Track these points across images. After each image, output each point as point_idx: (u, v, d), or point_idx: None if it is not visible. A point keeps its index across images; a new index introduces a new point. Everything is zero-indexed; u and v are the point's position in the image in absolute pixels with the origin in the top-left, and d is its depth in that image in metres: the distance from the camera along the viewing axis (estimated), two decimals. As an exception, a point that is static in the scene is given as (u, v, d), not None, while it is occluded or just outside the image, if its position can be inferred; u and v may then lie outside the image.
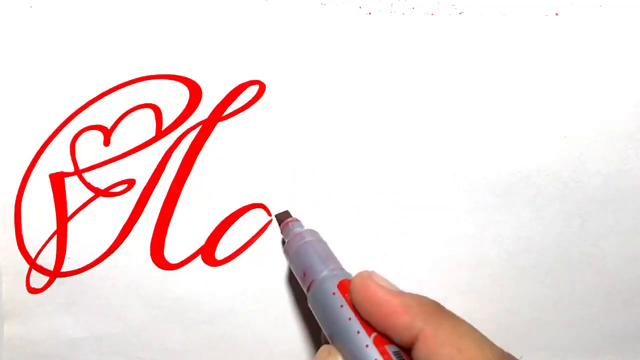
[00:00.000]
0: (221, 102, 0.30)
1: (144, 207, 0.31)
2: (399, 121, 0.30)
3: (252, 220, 0.31)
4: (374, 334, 0.22)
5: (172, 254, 0.31)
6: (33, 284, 0.32)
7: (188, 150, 0.30)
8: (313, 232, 0.28)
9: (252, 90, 0.30)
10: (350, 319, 0.23)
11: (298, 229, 0.29)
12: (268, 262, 0.31)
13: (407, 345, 0.21)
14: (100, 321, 0.32)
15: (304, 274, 0.26)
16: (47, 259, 0.31)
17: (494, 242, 0.31)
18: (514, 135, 0.30)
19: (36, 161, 0.30)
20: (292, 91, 0.30)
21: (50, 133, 0.30)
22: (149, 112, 0.30)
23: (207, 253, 0.31)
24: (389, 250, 0.31)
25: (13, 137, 0.30)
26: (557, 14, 0.29)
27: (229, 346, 0.32)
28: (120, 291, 0.32)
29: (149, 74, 0.30)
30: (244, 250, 0.31)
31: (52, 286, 0.32)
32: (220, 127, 0.30)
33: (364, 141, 0.30)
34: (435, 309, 0.22)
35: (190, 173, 0.31)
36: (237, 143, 0.30)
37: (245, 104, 0.30)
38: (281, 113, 0.30)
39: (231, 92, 0.30)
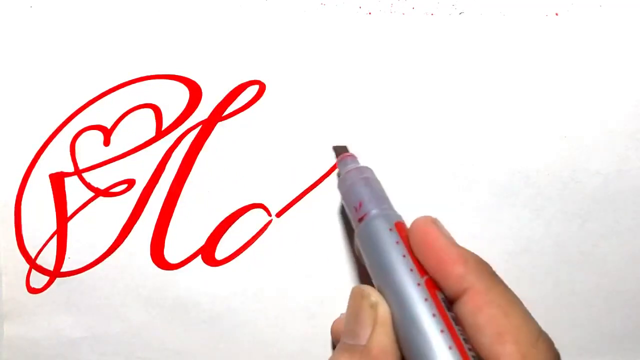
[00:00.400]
0: (221, 102, 0.30)
1: (144, 207, 0.31)
2: (399, 121, 0.30)
3: (252, 220, 0.31)
4: (425, 277, 0.21)
5: (172, 254, 0.31)
6: (33, 284, 0.32)
7: (188, 150, 0.30)
8: (370, 171, 0.28)
9: (252, 90, 0.30)
10: (404, 255, 0.22)
11: (356, 164, 0.28)
12: (268, 262, 0.31)
13: (454, 297, 0.21)
14: (100, 321, 0.32)
15: (360, 205, 0.25)
16: (47, 259, 0.31)
17: (494, 242, 0.31)
18: (514, 135, 0.30)
19: (36, 161, 0.30)
20: (292, 91, 0.30)
21: (50, 133, 0.30)
22: (149, 112, 0.30)
23: (207, 253, 0.31)
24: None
25: (13, 137, 0.30)
26: (557, 14, 0.29)
27: (229, 346, 0.32)
28: (120, 291, 0.32)
29: (149, 74, 0.30)
30: (244, 250, 0.31)
31: (52, 286, 0.32)
32: (220, 127, 0.30)
33: (363, 141, 0.30)
34: (490, 271, 0.22)
35: (190, 173, 0.31)
36: (237, 143, 0.30)
37: (245, 104, 0.30)
38: (281, 113, 0.30)
39: (231, 92, 0.30)
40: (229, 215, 0.31)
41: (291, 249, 0.31)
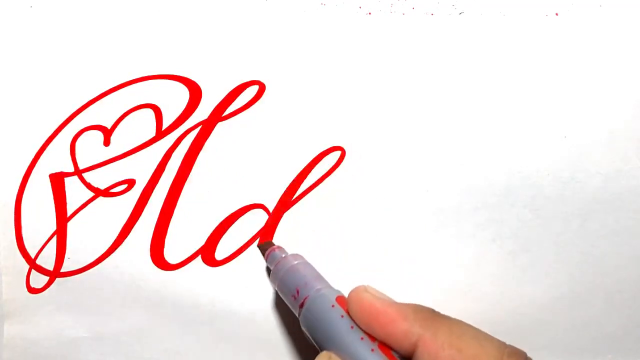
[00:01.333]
0: (221, 102, 0.30)
1: (144, 207, 0.31)
2: (399, 121, 0.30)
3: (252, 220, 0.31)
4: (376, 342, 0.22)
5: (172, 254, 0.31)
6: (33, 284, 0.32)
7: (188, 151, 0.30)
8: (299, 256, 0.29)
9: (252, 90, 0.30)
10: (352, 327, 0.23)
11: (283, 254, 0.29)
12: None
13: (408, 354, 0.22)
14: (100, 321, 0.32)
15: (297, 292, 0.26)
16: (47, 259, 0.31)
17: (494, 242, 0.31)
18: (514, 135, 0.30)
19: (36, 161, 0.30)
20: (292, 91, 0.30)
21: (50, 133, 0.30)
22: (149, 112, 0.30)
23: (207, 253, 0.31)
24: (388, 250, 0.31)
25: (13, 137, 0.30)
26: (557, 14, 0.29)
27: (229, 346, 0.32)
28: (120, 291, 0.32)
29: (149, 74, 0.30)
30: (244, 250, 0.31)
31: (52, 286, 0.32)
32: (220, 127, 0.30)
33: (363, 141, 0.30)
34: (431, 314, 0.22)
35: (190, 173, 0.31)
36: (237, 143, 0.30)
37: (245, 104, 0.30)
38: (281, 113, 0.30)
39: (231, 92, 0.30)
40: (229, 215, 0.31)
41: (291, 249, 0.31)
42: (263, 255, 0.30)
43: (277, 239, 0.31)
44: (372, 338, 0.22)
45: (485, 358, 0.20)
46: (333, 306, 0.24)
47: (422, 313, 0.22)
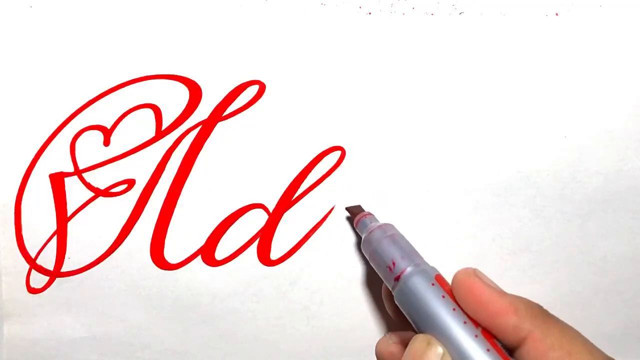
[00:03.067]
0: (221, 102, 0.30)
1: (144, 207, 0.31)
2: (399, 121, 0.30)
3: (252, 220, 0.31)
4: (479, 328, 0.22)
5: (172, 254, 0.31)
6: (33, 284, 0.32)
7: (188, 150, 0.30)
8: (392, 226, 0.28)
9: (252, 90, 0.30)
10: (454, 309, 0.22)
11: (376, 222, 0.28)
12: (268, 262, 0.31)
13: (512, 346, 0.21)
14: (100, 321, 0.32)
15: (393, 264, 0.25)
16: (47, 259, 0.31)
17: (494, 242, 0.31)
18: (514, 135, 0.30)
19: (36, 161, 0.30)
20: (292, 91, 0.30)
21: (50, 133, 0.30)
22: (149, 112, 0.30)
23: (207, 253, 0.31)
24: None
25: (13, 137, 0.30)
26: (557, 14, 0.29)
27: (229, 346, 0.32)
28: (120, 291, 0.32)
29: (149, 74, 0.30)
30: (244, 250, 0.31)
31: (52, 286, 0.32)
32: (220, 127, 0.30)
33: (363, 141, 0.30)
34: (542, 312, 0.22)
35: (190, 173, 0.31)
36: (237, 143, 0.30)
37: (245, 104, 0.30)
38: (281, 113, 0.30)
39: (231, 92, 0.30)
40: (229, 215, 0.31)
41: (291, 248, 0.31)
42: (351, 221, 0.29)
43: (277, 239, 0.31)
44: (476, 323, 0.22)
45: None
46: (433, 284, 0.23)
47: (534, 310, 0.22)
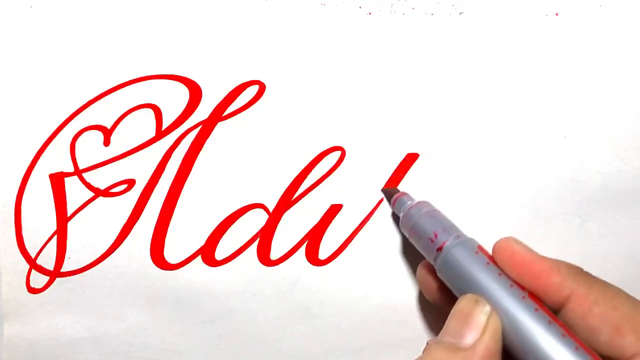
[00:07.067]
0: (221, 102, 0.30)
1: (144, 207, 0.31)
2: (398, 121, 0.30)
3: (252, 220, 0.31)
4: (526, 291, 0.22)
5: (172, 254, 0.31)
6: (33, 284, 0.32)
7: (188, 150, 0.30)
8: (430, 203, 0.28)
9: (252, 90, 0.30)
10: (500, 274, 0.23)
11: (413, 200, 0.29)
12: (268, 262, 0.31)
13: (557, 306, 0.22)
14: (100, 321, 0.32)
15: (435, 235, 0.25)
16: (47, 259, 0.31)
17: (494, 242, 0.31)
18: (514, 135, 0.30)
19: (36, 161, 0.30)
20: (292, 91, 0.30)
21: (50, 133, 0.30)
22: (149, 112, 0.30)
23: (207, 253, 0.31)
24: (389, 250, 0.31)
25: (13, 137, 0.30)
26: (557, 14, 0.29)
27: (229, 346, 0.32)
28: (120, 291, 0.32)
29: (149, 74, 0.30)
30: (244, 250, 0.31)
31: (52, 286, 0.32)
32: (220, 127, 0.30)
33: (363, 141, 0.30)
34: (583, 272, 0.23)
35: (190, 173, 0.31)
36: (237, 143, 0.30)
37: (245, 104, 0.30)
38: (281, 113, 0.30)
39: (231, 92, 0.30)
40: (229, 215, 0.31)
41: (291, 248, 0.31)
42: (388, 201, 0.30)
43: (277, 239, 0.31)
44: (522, 287, 0.22)
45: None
46: (477, 253, 0.24)
47: (575, 269, 0.22)
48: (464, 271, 0.23)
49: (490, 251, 0.24)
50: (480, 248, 0.24)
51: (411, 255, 0.31)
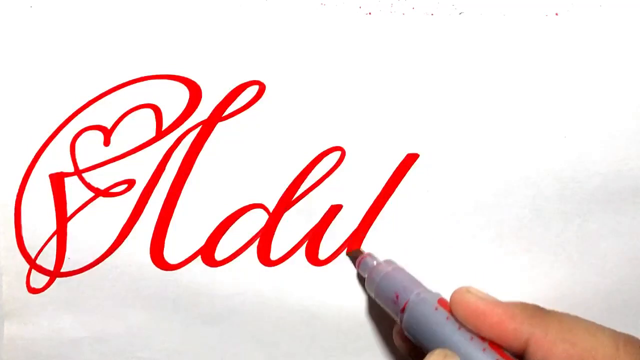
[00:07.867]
0: (221, 102, 0.30)
1: (144, 207, 0.31)
2: (398, 121, 0.30)
3: (252, 220, 0.31)
4: (486, 342, 0.22)
5: (172, 254, 0.31)
6: (33, 284, 0.32)
7: (188, 151, 0.30)
8: (392, 262, 0.29)
9: (252, 90, 0.30)
10: (459, 328, 0.23)
11: (375, 262, 0.29)
12: (268, 262, 0.31)
13: (519, 352, 0.22)
14: (100, 321, 0.32)
15: (396, 297, 0.26)
16: (47, 259, 0.31)
17: (493, 242, 0.31)
18: (514, 135, 0.30)
19: (36, 161, 0.30)
20: (292, 91, 0.30)
21: (50, 133, 0.30)
22: (149, 112, 0.30)
23: (207, 253, 0.31)
24: (388, 250, 0.31)
25: (13, 137, 0.30)
26: (557, 14, 0.29)
27: (229, 346, 0.32)
28: (120, 291, 0.32)
29: (149, 74, 0.30)
30: (244, 251, 0.31)
31: (52, 286, 0.32)
32: (220, 127, 0.30)
33: (363, 141, 0.30)
34: (539, 311, 0.22)
35: (190, 173, 0.31)
36: (237, 143, 0.30)
37: (245, 104, 0.30)
38: (281, 113, 0.30)
39: (231, 92, 0.30)
40: (229, 215, 0.31)
41: (291, 248, 0.31)
42: (353, 263, 0.31)
43: (277, 239, 0.31)
44: (482, 338, 0.22)
45: (601, 350, 0.20)
46: (436, 309, 0.24)
47: (530, 310, 0.22)
48: (426, 329, 0.24)
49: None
50: (441, 302, 0.25)
51: (411, 255, 0.31)
